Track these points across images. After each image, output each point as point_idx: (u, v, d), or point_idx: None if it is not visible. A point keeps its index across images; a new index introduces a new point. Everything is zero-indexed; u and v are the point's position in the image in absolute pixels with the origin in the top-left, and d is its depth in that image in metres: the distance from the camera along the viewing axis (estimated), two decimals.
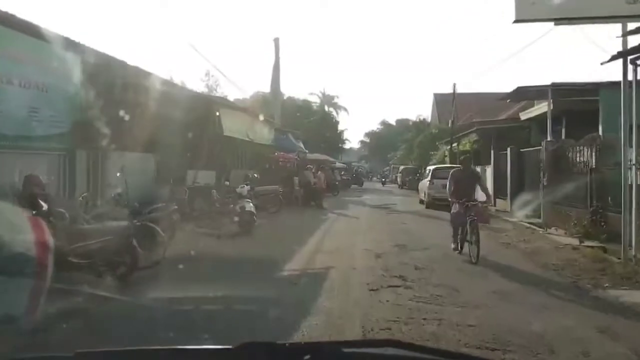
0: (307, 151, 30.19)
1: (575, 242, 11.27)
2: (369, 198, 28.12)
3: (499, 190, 21.27)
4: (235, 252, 9.71)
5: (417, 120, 42.90)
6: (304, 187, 21.28)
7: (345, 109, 67.25)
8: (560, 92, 15.96)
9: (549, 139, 15.59)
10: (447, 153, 29.73)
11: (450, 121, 28.10)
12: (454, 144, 28.07)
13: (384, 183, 46.09)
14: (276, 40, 38.80)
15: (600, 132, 14.73)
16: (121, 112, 12.27)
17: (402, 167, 42.34)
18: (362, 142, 69.00)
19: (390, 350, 1.57)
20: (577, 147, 13.53)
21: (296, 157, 26.86)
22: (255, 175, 19.41)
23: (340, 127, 70.53)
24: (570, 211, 13.30)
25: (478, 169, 25.36)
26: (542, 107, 18.88)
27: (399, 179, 40.14)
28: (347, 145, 75.24)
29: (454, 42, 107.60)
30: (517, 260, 9.35)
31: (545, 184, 15.09)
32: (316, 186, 21.00)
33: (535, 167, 17.23)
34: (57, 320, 4.77)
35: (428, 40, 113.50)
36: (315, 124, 47.54)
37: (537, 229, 14.00)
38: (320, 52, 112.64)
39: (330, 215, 17.68)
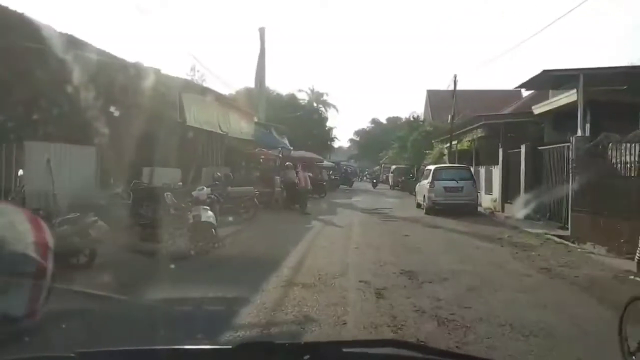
0: (291, 148, 27.21)
1: (631, 265, 8.45)
2: (359, 200, 25.23)
3: (509, 193, 18.47)
4: (159, 291, 5.99)
5: (410, 117, 40.12)
6: (287, 188, 18.31)
7: (335, 107, 64.53)
8: (592, 79, 13.18)
9: (579, 134, 12.78)
10: (446, 152, 26.92)
11: (450, 116, 25.28)
12: (454, 142, 25.24)
13: (375, 184, 40.94)
14: (261, 30, 35.92)
15: None
16: (48, 92, 9.28)
17: (393, 167, 39.51)
18: (351, 140, 66.24)
19: (390, 350, 1.53)
20: (625, 145, 10.71)
21: (279, 154, 23.89)
22: (230, 174, 16.45)
23: (329, 125, 68.15)
24: (614, 224, 10.49)
25: (482, 169, 22.68)
26: (561, 99, 16.12)
27: (390, 180, 37.35)
28: (336, 144, 72.52)
29: (446, 38, 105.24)
30: (581, 303, 6.46)
31: (576, 188, 12.28)
32: (300, 187, 18.03)
33: (558, 168, 14.45)
34: None
35: (419, 37, 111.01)
36: (302, 120, 44.55)
37: (570, 244, 11.19)
38: (310, 48, 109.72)
39: (315, 223, 14.72)
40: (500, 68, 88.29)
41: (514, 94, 45.88)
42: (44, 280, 4.13)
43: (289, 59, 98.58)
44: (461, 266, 8.34)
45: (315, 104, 68.69)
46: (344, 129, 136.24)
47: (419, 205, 19.93)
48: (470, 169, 19.00)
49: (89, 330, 4.68)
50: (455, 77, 25.04)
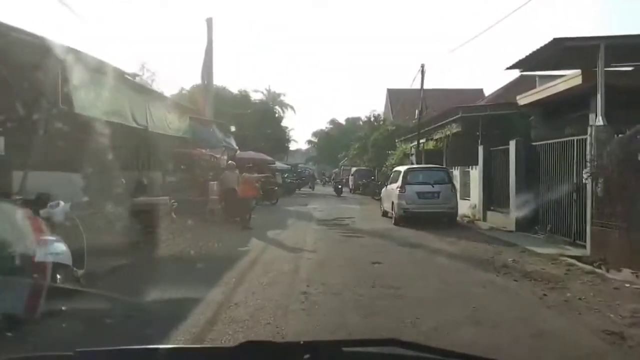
0: (237, 148, 23.35)
1: None
2: (317, 207, 21.63)
3: (492, 199, 15.27)
4: None
5: (370, 116, 36.96)
6: (225, 196, 14.46)
7: (292, 107, 61.10)
8: (612, 51, 10.04)
9: (599, 122, 9.59)
10: (413, 151, 23.68)
11: (417, 111, 22.06)
12: (422, 140, 22.01)
13: (340, 191, 31.48)
14: (209, 21, 31.84)
15: None
16: None
17: (354, 169, 36.17)
18: (310, 142, 62.54)
19: (391, 349, 1.52)
20: None
21: (222, 155, 20.01)
22: (143, 180, 12.50)
23: (286, 126, 64.57)
24: None
25: (457, 171, 19.51)
26: (558, 85, 13.02)
27: (350, 182, 33.98)
28: (294, 146, 68.87)
29: (406, 38, 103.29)
30: None
31: (599, 194, 9.06)
32: (243, 195, 14.19)
33: (562, 168, 11.27)
34: None
35: (378, 36, 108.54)
36: (256, 119, 40.71)
37: (605, 274, 7.90)
38: (266, 47, 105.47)
39: (255, 244, 10.94)
40: (461, 69, 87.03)
41: (477, 93, 43.75)
42: (43, 280, 4.13)
43: (244, 59, 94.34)
44: (478, 333, 4.83)
45: (271, 105, 65.18)
46: (302, 131, 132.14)
47: (385, 214, 16.50)
48: (448, 171, 15.71)
49: None
50: (422, 67, 21.83)
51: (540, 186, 12.36)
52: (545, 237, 11.54)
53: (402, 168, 15.73)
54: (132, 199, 10.32)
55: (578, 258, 9.19)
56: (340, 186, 32.02)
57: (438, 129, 19.94)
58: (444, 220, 14.24)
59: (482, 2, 75.79)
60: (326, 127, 60.72)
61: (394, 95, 44.26)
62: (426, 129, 21.57)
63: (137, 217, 9.59)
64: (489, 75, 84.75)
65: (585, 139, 9.95)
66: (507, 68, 12.13)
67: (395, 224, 14.65)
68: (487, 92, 38.80)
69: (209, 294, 6.22)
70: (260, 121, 41.66)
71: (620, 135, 8.30)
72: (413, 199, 14.22)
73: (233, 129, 25.33)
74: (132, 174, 13.18)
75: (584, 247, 9.89)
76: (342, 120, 60.32)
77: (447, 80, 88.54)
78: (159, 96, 16.16)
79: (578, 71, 11.98)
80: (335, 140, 57.68)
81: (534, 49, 10.48)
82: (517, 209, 13.15)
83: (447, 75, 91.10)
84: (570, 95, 12.98)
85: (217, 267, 7.78)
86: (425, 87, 27.95)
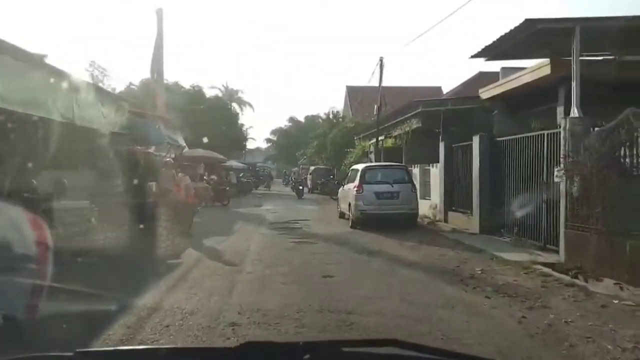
0: (184, 145, 21.63)
1: None
2: (271, 209, 20.23)
3: (454, 199, 14.30)
4: None
5: (329, 113, 35.69)
6: (161, 198, 12.85)
7: (251, 105, 59.39)
8: (586, 36, 9.11)
9: (575, 114, 8.63)
10: (372, 148, 22.60)
11: (375, 106, 20.97)
12: (381, 137, 20.95)
13: (300, 192, 28.03)
14: (159, 12, 29.96)
15: None
16: None
17: (312, 168, 34.88)
18: (268, 140, 60.84)
19: (391, 350, 1.51)
20: None
21: (169, 153, 18.32)
22: (64, 181, 10.82)
23: (245, 124, 62.81)
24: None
25: (416, 169, 18.50)
26: (524, 76, 12.15)
27: (309, 182, 32.70)
28: (253, 144, 67.09)
29: (365, 35, 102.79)
30: None
31: (574, 193, 8.09)
32: (181, 198, 12.62)
33: (531, 165, 10.33)
34: None
35: (338, 33, 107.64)
36: (211, 117, 38.85)
37: (587, 286, 6.91)
38: (223, 44, 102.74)
39: (190, 255, 9.44)
40: (420, 68, 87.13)
41: (435, 91, 43.28)
42: (43, 280, 4.16)
43: (200, 56, 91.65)
44: None
45: (228, 101, 63.25)
46: (262, 129, 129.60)
47: (342, 215, 15.30)
48: (408, 169, 14.62)
49: None
50: (381, 60, 20.73)
51: (506, 185, 11.42)
52: (512, 241, 10.59)
53: (359, 166, 14.55)
54: (41, 203, 8.66)
55: (552, 266, 8.21)
56: (301, 187, 28.20)
57: (397, 125, 18.90)
58: (404, 223, 13.15)
59: (446, 2, 76.11)
60: (285, 125, 59.23)
61: (353, 93, 43.24)
62: (385, 125, 20.51)
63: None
64: (447, 74, 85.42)
65: (558, 133, 9.00)
66: (473, 56, 11.10)
67: (352, 226, 13.45)
68: (446, 90, 38.37)
69: (108, 329, 4.77)
70: (215, 118, 39.80)
71: (599, 128, 7.34)
72: (371, 200, 13.05)
73: (178, 125, 23.55)
74: (52, 174, 11.43)
75: (557, 252, 8.94)
76: (301, 118, 59.00)
77: (406, 79, 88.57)
78: (90, 86, 14.35)
79: (546, 60, 11.10)
80: (295, 139, 56.36)
81: (505, 32, 9.45)
82: (480, 210, 12.19)
83: (406, 74, 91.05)
84: (537, 87, 12.09)
85: (132, 289, 6.28)
86: (384, 84, 27.04)
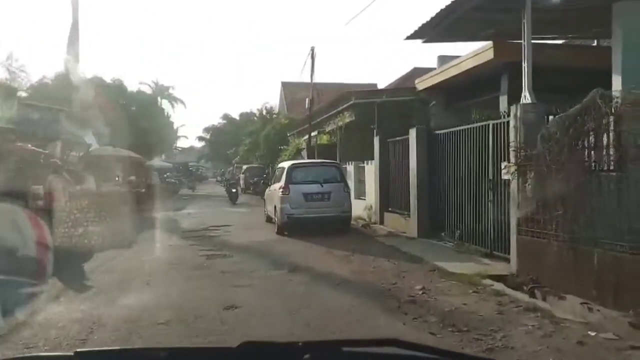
0: (89, 143, 19.04)
1: None
2: (193, 213, 18.12)
3: (390, 199, 12.91)
4: None
5: (262, 109, 33.71)
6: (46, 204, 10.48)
7: (182, 102, 56.24)
8: (539, 12, 7.84)
9: (527, 100, 7.32)
10: (304, 145, 20.98)
11: (307, 100, 19.35)
12: (314, 133, 19.35)
13: (234, 196, 22.93)
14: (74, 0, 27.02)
15: (619, 86, 7.06)
16: None
17: (245, 167, 32.77)
18: (200, 138, 57.69)
19: (391, 350, 1.50)
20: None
21: (69, 151, 15.81)
22: None
23: (177, 122, 59.71)
24: (606, 261, 5.16)
25: (350, 167, 17.04)
26: (464, 62, 10.96)
27: (242, 182, 30.61)
28: (186, 143, 63.84)
29: (299, 30, 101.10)
30: None
31: (529, 193, 6.78)
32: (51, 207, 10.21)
33: (474, 161, 9.03)
34: None
35: (273, 29, 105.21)
36: (135, 112, 35.81)
37: (547, 307, 5.57)
38: (154, 39, 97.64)
39: (53, 287, 7.30)
40: (355, 66, 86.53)
41: (371, 87, 42.40)
42: (43, 278, 4.34)
43: (130, 51, 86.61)
44: None
45: (159, 97, 59.85)
46: (196, 127, 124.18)
47: (269, 219, 13.52)
48: (340, 167, 13.03)
49: None
50: (312, 50, 19.12)
51: (446, 183, 10.10)
52: (454, 246, 9.26)
53: (286, 164, 12.80)
54: None
55: (504, 279, 6.87)
56: (234, 190, 23.04)
57: (331, 119, 17.35)
58: (336, 227, 11.59)
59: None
60: (219, 123, 56.44)
61: (288, 89, 41.53)
62: (318, 120, 18.93)
63: None
64: (384, 71, 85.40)
65: (506, 123, 7.69)
66: (408, 37, 9.67)
67: (278, 232, 11.72)
68: (381, 87, 37.47)
69: None
70: (140, 114, 36.73)
71: (560, 115, 6.02)
72: (298, 202, 11.37)
73: (89, 121, 20.90)
74: None
75: (506, 260, 7.64)
76: (236, 115, 56.43)
77: (342, 76, 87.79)
78: None
79: (489, 44, 9.89)
80: (230, 136, 53.80)
81: (442, 7, 8.03)
82: (419, 211, 10.84)
83: (342, 73, 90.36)
84: (478, 74, 10.91)
85: None
86: (319, 81, 25.50)
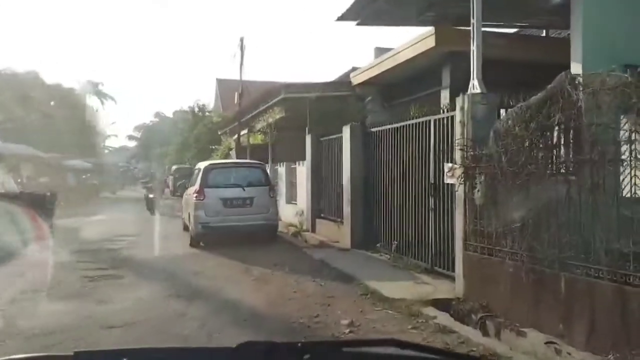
0: None
1: None
2: (105, 219, 15.94)
3: (323, 203, 11.53)
4: None
5: (194, 106, 31.45)
6: None
7: (113, 98, 52.64)
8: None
9: (476, 89, 6.09)
10: (232, 145, 19.26)
11: (236, 94, 17.68)
12: (244, 132, 17.68)
13: (151, 203, 17.60)
14: None
15: (580, 70, 6.04)
16: None
17: (174, 167, 30.42)
18: (130, 137, 54.12)
19: (391, 350, 1.48)
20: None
21: None
22: None
23: (107, 120, 56.04)
24: (574, 285, 3.98)
25: (281, 168, 15.51)
26: (403, 51, 9.77)
27: (170, 183, 28.32)
28: (117, 143, 60.09)
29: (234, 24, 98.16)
30: None
31: (479, 201, 5.54)
32: None
33: (410, 164, 7.79)
34: None
35: (209, 26, 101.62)
36: (53, 106, 32.57)
37: (500, 345, 4.29)
38: (85, 34, 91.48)
39: None
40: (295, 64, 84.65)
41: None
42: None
43: (58, 46, 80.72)
44: None
45: (85, 93, 55.90)
46: (129, 125, 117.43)
47: (186, 228, 11.70)
48: (264, 168, 11.44)
49: None
50: (242, 41, 17.45)
51: (383, 187, 8.82)
52: (391, 259, 7.98)
53: (202, 165, 11.05)
54: None
55: (448, 305, 5.62)
56: (152, 195, 17.90)
57: (261, 115, 15.76)
58: (261, 236, 10.05)
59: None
60: (152, 121, 53.17)
61: (224, 86, 39.40)
62: (248, 116, 17.27)
63: None
64: (325, 71, 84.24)
65: (451, 117, 6.47)
66: (339, 18, 8.29)
67: (192, 244, 10.01)
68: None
69: None
70: (60, 110, 33.45)
71: (522, 104, 4.80)
72: (216, 209, 9.70)
73: None
74: None
75: (450, 278, 6.41)
76: (169, 114, 53.42)
77: (280, 75, 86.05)
78: None
79: (430, 31, 8.71)
80: (163, 135, 50.77)
81: None
82: (352, 218, 9.51)
83: (280, 71, 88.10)
84: (418, 67, 9.76)
85: None
86: (256, 79, 23.84)
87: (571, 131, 4.38)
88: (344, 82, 12.21)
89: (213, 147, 25.81)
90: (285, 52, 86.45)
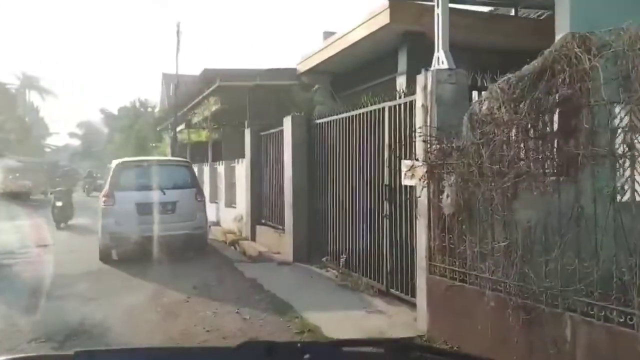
0: None
1: None
2: (19, 225, 13.65)
3: (264, 207, 9.97)
4: None
5: (136, 101, 28.96)
6: None
7: (54, 94, 49.16)
8: None
9: (443, 64, 4.70)
10: (168, 140, 17.38)
11: (172, 85, 15.89)
12: (180, 128, 15.84)
13: (57, 214, 13.00)
14: None
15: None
16: None
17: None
18: (71, 134, 50.49)
19: (391, 350, 1.46)
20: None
21: None
22: None
23: (49, 117, 52.46)
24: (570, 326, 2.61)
25: (220, 167, 13.79)
26: (352, 33, 8.39)
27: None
28: (61, 141, 56.24)
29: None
30: None
31: (447, 209, 4.15)
32: None
33: (361, 161, 6.39)
34: None
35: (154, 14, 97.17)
36: None
37: None
38: (24, 28, 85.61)
39: None
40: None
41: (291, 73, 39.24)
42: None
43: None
44: None
45: (27, 91, 52.30)
46: (74, 123, 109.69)
47: None
48: (190, 166, 9.66)
49: None
50: (178, 25, 15.64)
51: (330, 190, 7.36)
52: (339, 277, 6.53)
53: (114, 162, 9.21)
54: None
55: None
56: (60, 203, 12.99)
57: (197, 108, 13.98)
58: (187, 248, 8.39)
59: None
60: (95, 118, 49.81)
61: (170, 81, 37.09)
62: (183, 110, 15.45)
63: None
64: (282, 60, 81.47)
65: (410, 103, 5.08)
66: None
67: (101, 259, 8.19)
68: None
69: None
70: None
71: (510, 77, 3.41)
72: (128, 216, 7.94)
73: None
74: None
75: (410, 304, 5.04)
76: (114, 110, 50.24)
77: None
78: None
79: (384, 5, 7.33)
80: (107, 133, 47.65)
81: None
82: (295, 226, 8.01)
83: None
84: (370, 50, 8.40)
85: None
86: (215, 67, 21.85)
87: (581, 113, 3.03)
88: (288, 69, 10.67)
89: (154, 144, 23.71)
90: (237, 45, 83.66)
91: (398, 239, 5.48)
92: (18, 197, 23.16)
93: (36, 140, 49.54)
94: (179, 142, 18.20)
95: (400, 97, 5.44)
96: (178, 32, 15.76)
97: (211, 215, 13.46)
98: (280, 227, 8.73)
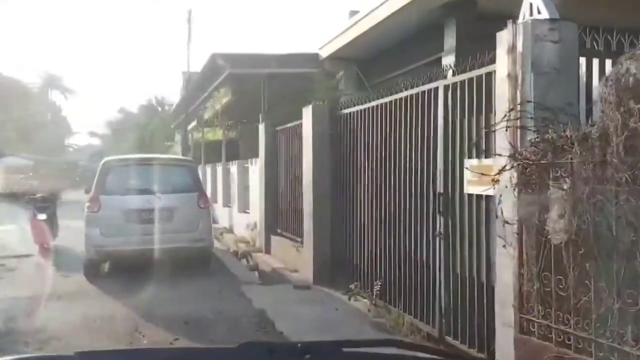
0: None
1: None
2: (12, 229, 12.51)
3: (280, 215, 8.53)
4: None
5: (153, 99, 27.96)
6: None
7: (76, 92, 49.07)
8: None
9: (541, 14, 3.16)
10: (177, 138, 16.13)
11: (183, 80, 14.61)
12: (193, 124, 14.55)
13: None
14: None
15: None
16: None
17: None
18: (92, 133, 50.13)
19: (391, 350, 1.46)
20: None
21: None
22: None
23: (64, 115, 52.37)
24: None
25: (233, 167, 12.31)
26: (381, 9, 6.88)
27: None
28: (83, 141, 56.16)
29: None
30: None
31: (558, 237, 2.60)
32: None
33: (402, 160, 4.83)
34: None
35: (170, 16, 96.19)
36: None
37: None
38: (50, 30, 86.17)
39: None
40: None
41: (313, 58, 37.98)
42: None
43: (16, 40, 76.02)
44: None
45: (50, 90, 52.29)
46: (98, 122, 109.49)
47: None
48: (193, 166, 8.22)
49: None
50: (189, 13, 14.37)
51: (360, 196, 5.86)
52: (372, 312, 5.05)
53: (104, 160, 7.82)
54: None
55: None
56: (43, 215, 8.92)
57: (207, 102, 12.64)
58: (189, 264, 7.00)
59: None
60: (116, 117, 49.37)
61: (188, 80, 36.19)
62: (194, 105, 14.16)
63: None
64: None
65: (479, 79, 3.57)
66: None
67: (86, 274, 6.85)
68: None
69: None
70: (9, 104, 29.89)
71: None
72: (116, 226, 6.58)
73: None
74: None
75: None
76: (134, 109, 49.75)
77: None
78: None
79: None
80: (128, 132, 47.18)
81: None
82: (316, 238, 6.54)
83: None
84: (406, 27, 6.85)
85: None
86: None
87: None
88: (308, 54, 9.22)
89: (169, 143, 22.57)
90: (252, 28, 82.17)
91: (459, 267, 3.96)
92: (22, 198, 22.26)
93: (59, 140, 49.39)
94: (194, 141, 16.92)
95: (465, 72, 3.90)
96: (189, 19, 14.50)
97: (224, 221, 12.13)
98: (299, 239, 7.27)
